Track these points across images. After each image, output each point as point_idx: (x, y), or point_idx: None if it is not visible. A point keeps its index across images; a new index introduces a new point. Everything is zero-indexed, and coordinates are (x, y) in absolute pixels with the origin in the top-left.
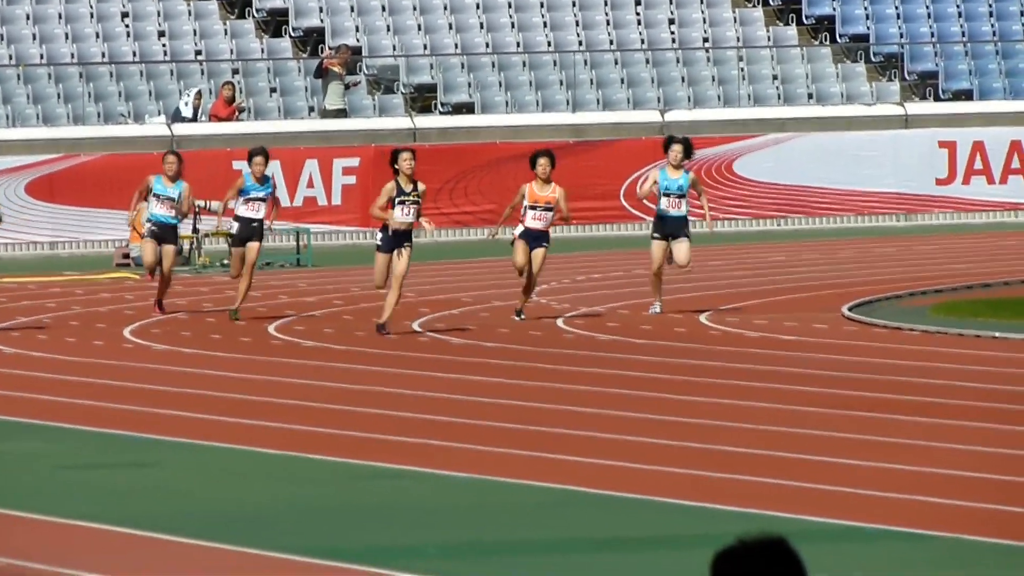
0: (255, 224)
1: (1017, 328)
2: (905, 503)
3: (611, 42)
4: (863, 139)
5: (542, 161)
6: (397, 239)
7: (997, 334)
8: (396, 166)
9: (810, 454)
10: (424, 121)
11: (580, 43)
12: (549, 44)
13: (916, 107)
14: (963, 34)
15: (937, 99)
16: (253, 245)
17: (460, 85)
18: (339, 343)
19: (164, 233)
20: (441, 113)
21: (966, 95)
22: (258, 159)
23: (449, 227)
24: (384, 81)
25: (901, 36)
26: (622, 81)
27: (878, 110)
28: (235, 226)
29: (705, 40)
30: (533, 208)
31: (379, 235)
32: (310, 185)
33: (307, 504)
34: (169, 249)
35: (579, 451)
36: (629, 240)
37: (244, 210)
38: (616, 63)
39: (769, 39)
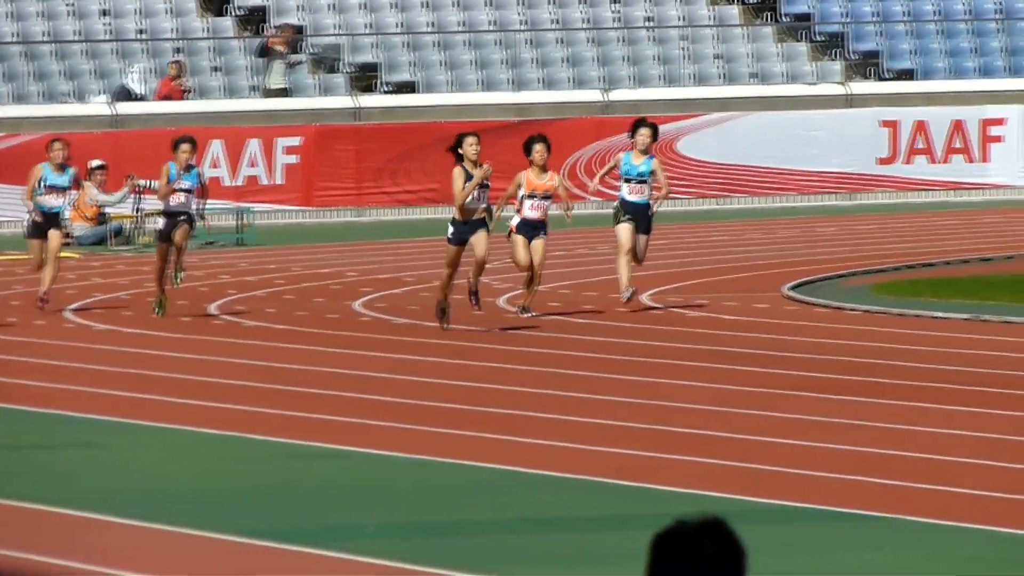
0: (182, 217)
1: (958, 308)
2: (847, 483)
3: (554, 21)
4: (805, 118)
5: (538, 147)
6: (470, 227)
7: (938, 314)
8: (460, 151)
9: (751, 434)
10: (367, 100)
11: (523, 22)
12: (492, 23)
13: (858, 86)
14: (906, 13)
15: (880, 78)
16: (183, 227)
17: (403, 64)
18: (280, 323)
19: (49, 223)
20: (384, 92)
21: (908, 74)
22: (184, 147)
23: (391, 206)
24: (327, 60)
25: (844, 15)
26: (565, 60)
27: (820, 89)
28: (159, 220)
29: (648, 19)
30: (531, 197)
31: (450, 228)
32: (252, 164)
33: (248, 484)
34: (55, 233)
35: (520, 431)
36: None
37: (170, 203)
38: (559, 42)
39: (712, 18)
